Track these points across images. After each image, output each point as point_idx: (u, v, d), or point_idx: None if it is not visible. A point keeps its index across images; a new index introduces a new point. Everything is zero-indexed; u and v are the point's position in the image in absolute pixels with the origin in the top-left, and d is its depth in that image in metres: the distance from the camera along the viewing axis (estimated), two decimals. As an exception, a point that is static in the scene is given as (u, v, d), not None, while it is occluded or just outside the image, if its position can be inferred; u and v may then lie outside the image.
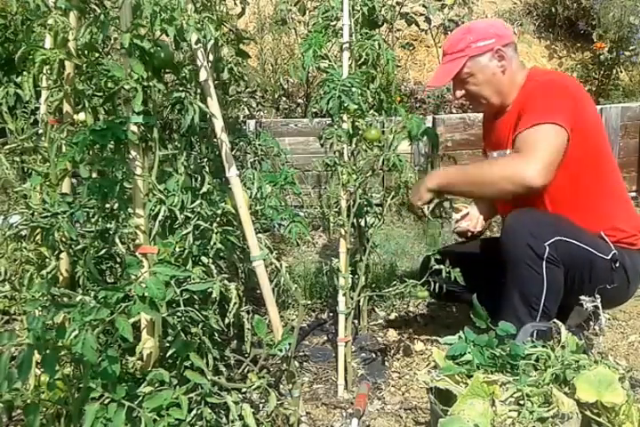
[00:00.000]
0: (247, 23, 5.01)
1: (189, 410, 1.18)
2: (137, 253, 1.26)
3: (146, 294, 1.09)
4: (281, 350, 1.41)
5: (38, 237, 1.50)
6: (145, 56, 1.22)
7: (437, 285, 1.80)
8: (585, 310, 1.47)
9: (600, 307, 1.45)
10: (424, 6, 4.22)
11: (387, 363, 2.06)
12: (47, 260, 1.50)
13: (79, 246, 1.49)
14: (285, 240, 3.16)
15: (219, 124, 1.40)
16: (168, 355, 1.30)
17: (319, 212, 3.55)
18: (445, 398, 1.39)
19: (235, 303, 1.42)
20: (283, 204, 1.75)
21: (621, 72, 4.76)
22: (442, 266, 1.77)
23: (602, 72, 4.72)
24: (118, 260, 1.59)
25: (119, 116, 1.26)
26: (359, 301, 2.12)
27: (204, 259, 1.43)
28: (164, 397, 1.15)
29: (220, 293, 1.37)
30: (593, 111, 1.92)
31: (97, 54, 1.50)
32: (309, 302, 2.45)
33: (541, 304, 1.72)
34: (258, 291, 1.71)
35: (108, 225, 1.43)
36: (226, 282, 1.40)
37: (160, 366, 1.27)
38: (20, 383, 1.06)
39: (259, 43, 4.65)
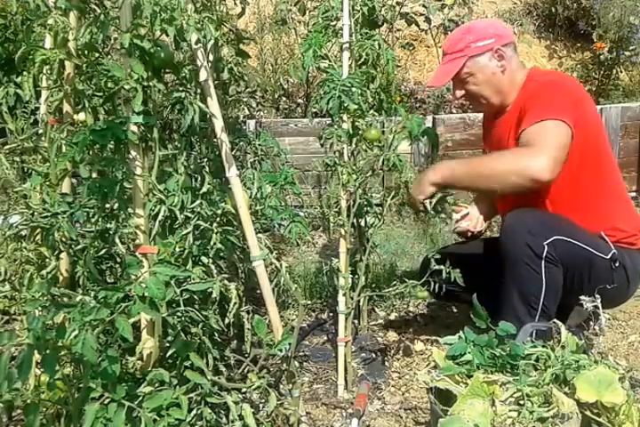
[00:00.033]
0: (247, 23, 5.00)
1: (189, 410, 1.18)
2: (137, 253, 1.26)
3: (146, 294, 1.09)
4: (281, 350, 1.41)
5: (38, 237, 1.50)
6: (145, 56, 1.22)
7: (437, 285, 1.80)
8: (585, 310, 1.48)
9: (600, 307, 1.45)
10: (424, 6, 4.21)
11: (387, 363, 2.06)
12: (47, 260, 1.50)
13: (79, 246, 1.49)
14: (285, 240, 3.16)
15: (219, 124, 1.40)
16: (168, 355, 1.30)
17: (319, 212, 3.55)
18: (445, 398, 1.39)
19: (235, 303, 1.42)
20: (283, 204, 1.75)
21: (621, 72, 4.76)
22: (442, 266, 1.77)
23: (602, 72, 4.72)
24: (118, 260, 1.59)
25: (119, 116, 1.26)
26: (359, 301, 2.12)
27: (204, 259, 1.43)
28: (164, 397, 1.15)
29: (220, 293, 1.37)
30: (593, 111, 1.92)
31: (97, 54, 1.50)
32: (309, 302, 2.45)
33: (540, 303, 1.72)
34: (258, 291, 1.71)
35: (108, 225, 1.43)
36: (226, 282, 1.40)
37: (160, 366, 1.27)
38: (19, 383, 1.06)
39: (259, 43, 4.65)
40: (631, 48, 4.56)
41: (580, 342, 1.46)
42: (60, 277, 1.51)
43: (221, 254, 1.51)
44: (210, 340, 1.37)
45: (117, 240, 1.41)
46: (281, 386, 1.76)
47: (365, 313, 2.27)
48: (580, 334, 1.55)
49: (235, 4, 2.36)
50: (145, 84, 1.22)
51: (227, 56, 1.73)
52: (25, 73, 1.52)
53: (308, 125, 3.62)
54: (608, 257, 1.79)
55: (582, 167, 1.81)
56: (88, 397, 1.13)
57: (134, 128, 1.24)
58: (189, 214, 1.36)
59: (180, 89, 1.36)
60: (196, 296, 1.40)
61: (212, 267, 1.44)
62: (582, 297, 1.47)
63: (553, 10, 5.31)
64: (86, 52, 1.48)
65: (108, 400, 1.12)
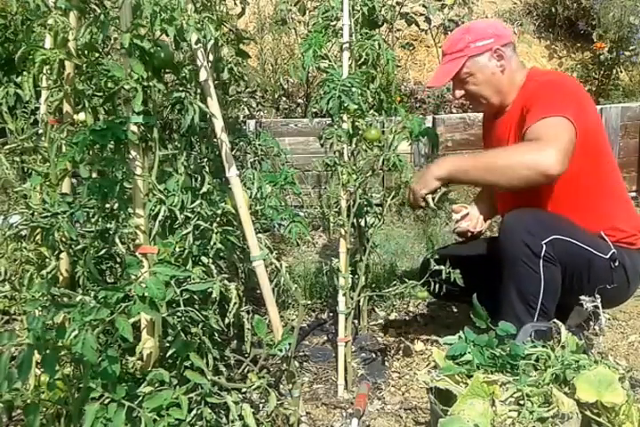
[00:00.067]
0: (247, 23, 5.01)
1: (189, 410, 1.18)
2: (137, 253, 1.26)
3: (146, 294, 1.09)
4: (281, 350, 1.41)
5: (38, 237, 1.50)
6: (145, 56, 1.22)
7: (437, 285, 1.80)
8: (585, 310, 1.47)
9: (600, 307, 1.45)
10: (424, 6, 4.22)
11: (387, 363, 2.06)
12: (47, 260, 1.50)
13: (79, 246, 1.49)
14: (285, 240, 3.16)
15: (219, 124, 1.40)
16: (168, 355, 1.30)
17: (319, 212, 3.55)
18: (445, 398, 1.39)
19: (235, 303, 1.42)
20: (283, 204, 1.75)
21: (621, 72, 4.76)
22: (442, 267, 1.77)
23: (602, 72, 4.72)
24: (118, 260, 1.59)
25: (119, 116, 1.25)
26: (359, 301, 2.12)
27: (204, 259, 1.43)
28: (164, 397, 1.15)
29: (220, 293, 1.37)
30: (593, 111, 1.92)
31: (97, 54, 1.50)
32: (309, 302, 2.45)
33: (539, 302, 1.72)
34: (258, 291, 1.71)
35: (108, 225, 1.43)
36: (226, 282, 1.40)
37: (160, 366, 1.27)
38: (20, 383, 1.06)
39: (259, 43, 4.65)
40: (631, 48, 4.56)
41: (580, 342, 1.46)
42: (60, 277, 1.51)
43: (221, 254, 1.51)
44: (210, 340, 1.37)
45: (117, 240, 1.41)
46: (281, 386, 1.76)
47: (365, 313, 2.27)
48: (579, 334, 1.55)
49: (235, 3, 2.36)
50: (145, 84, 1.22)
51: (227, 56, 1.73)
52: (25, 73, 1.52)
53: (308, 125, 3.63)
54: (607, 257, 1.79)
55: (582, 167, 1.81)
56: (88, 397, 1.13)
57: (134, 128, 1.24)
58: (189, 214, 1.36)
59: (180, 89, 1.36)
60: (195, 296, 1.39)
61: (212, 267, 1.44)
62: (582, 297, 1.47)
63: (553, 10, 5.31)
64: (86, 52, 1.48)
65: (108, 400, 1.12)
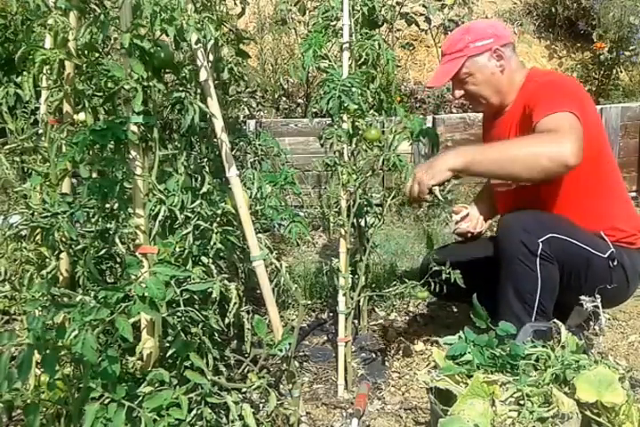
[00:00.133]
0: (247, 23, 5.01)
1: (189, 410, 1.18)
2: (137, 253, 1.26)
3: (146, 294, 1.09)
4: (281, 350, 1.41)
5: (38, 237, 1.50)
6: (145, 56, 1.22)
7: (437, 285, 1.80)
8: (585, 310, 1.47)
9: (600, 307, 1.45)
10: (424, 6, 4.22)
11: (387, 363, 2.06)
12: (47, 260, 1.50)
13: (79, 246, 1.49)
14: (285, 240, 3.16)
15: (219, 124, 1.40)
16: (168, 355, 1.30)
17: (319, 212, 3.55)
18: (445, 398, 1.39)
19: (235, 303, 1.42)
20: (283, 204, 1.75)
21: (621, 72, 4.76)
22: (442, 267, 1.77)
23: (602, 72, 4.72)
24: (118, 260, 1.59)
25: (119, 116, 1.25)
26: (359, 301, 2.12)
27: (204, 259, 1.43)
28: (164, 397, 1.15)
29: (220, 293, 1.36)
30: (593, 111, 1.92)
31: (97, 54, 1.50)
32: (309, 302, 2.45)
33: (536, 301, 1.72)
34: (258, 291, 1.71)
35: (108, 225, 1.43)
36: (226, 282, 1.40)
37: (160, 366, 1.27)
38: (19, 383, 1.06)
39: (259, 43, 4.65)
40: (631, 48, 4.56)
41: (580, 342, 1.46)
42: (60, 277, 1.51)
43: (221, 254, 1.51)
44: (210, 340, 1.37)
45: (117, 240, 1.41)
46: (281, 386, 1.76)
47: (365, 313, 2.27)
48: (580, 334, 1.55)
49: (235, 3, 2.35)
50: (145, 84, 1.22)
51: (227, 56, 1.73)
52: (25, 73, 1.52)
53: (308, 125, 3.63)
54: (606, 256, 1.79)
55: (582, 167, 1.79)
56: (88, 397, 1.13)
57: (134, 128, 1.24)
58: (189, 214, 1.36)
59: (180, 89, 1.36)
60: (196, 296, 1.39)
61: (212, 267, 1.44)
62: (582, 297, 1.47)
63: (553, 10, 5.31)
64: (86, 52, 1.48)
65: (108, 400, 1.12)
